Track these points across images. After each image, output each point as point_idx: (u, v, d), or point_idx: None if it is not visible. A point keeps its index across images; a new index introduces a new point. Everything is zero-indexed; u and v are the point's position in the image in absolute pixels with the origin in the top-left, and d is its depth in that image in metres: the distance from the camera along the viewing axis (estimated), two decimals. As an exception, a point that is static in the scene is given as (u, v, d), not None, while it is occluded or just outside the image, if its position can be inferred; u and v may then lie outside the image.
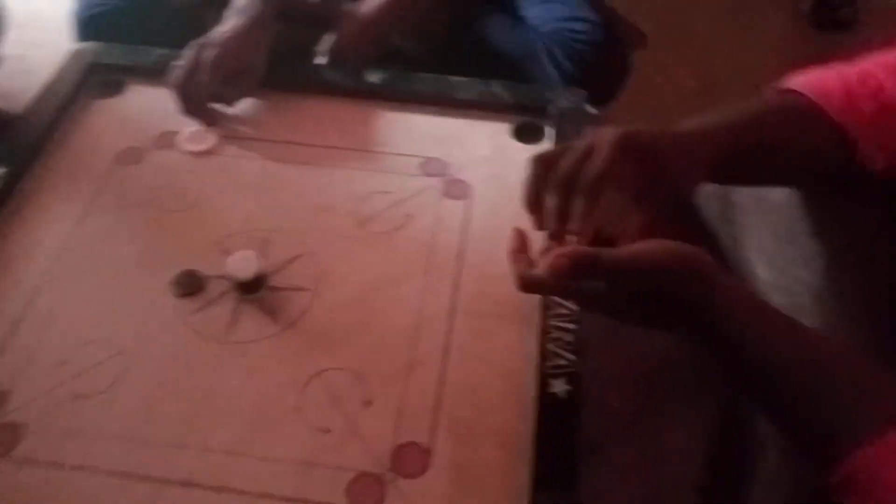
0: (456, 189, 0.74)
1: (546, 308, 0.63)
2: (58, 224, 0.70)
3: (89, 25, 0.90)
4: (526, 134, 0.79)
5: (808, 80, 0.58)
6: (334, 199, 0.72)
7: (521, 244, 0.52)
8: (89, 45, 0.86)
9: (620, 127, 0.53)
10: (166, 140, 0.78)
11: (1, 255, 0.67)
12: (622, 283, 0.46)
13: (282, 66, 0.82)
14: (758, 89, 0.69)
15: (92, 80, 0.84)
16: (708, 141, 0.55)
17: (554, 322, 0.62)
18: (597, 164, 0.52)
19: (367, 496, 0.54)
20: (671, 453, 0.65)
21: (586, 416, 0.58)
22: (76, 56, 0.84)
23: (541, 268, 0.48)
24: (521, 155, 0.76)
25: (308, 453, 0.56)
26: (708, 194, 0.78)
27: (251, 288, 0.64)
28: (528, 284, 0.50)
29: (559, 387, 0.58)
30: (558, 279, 0.46)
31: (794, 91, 0.58)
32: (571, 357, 0.60)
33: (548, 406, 0.57)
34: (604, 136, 0.53)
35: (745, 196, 0.67)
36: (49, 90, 0.81)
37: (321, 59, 0.86)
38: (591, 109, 0.83)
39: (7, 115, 0.84)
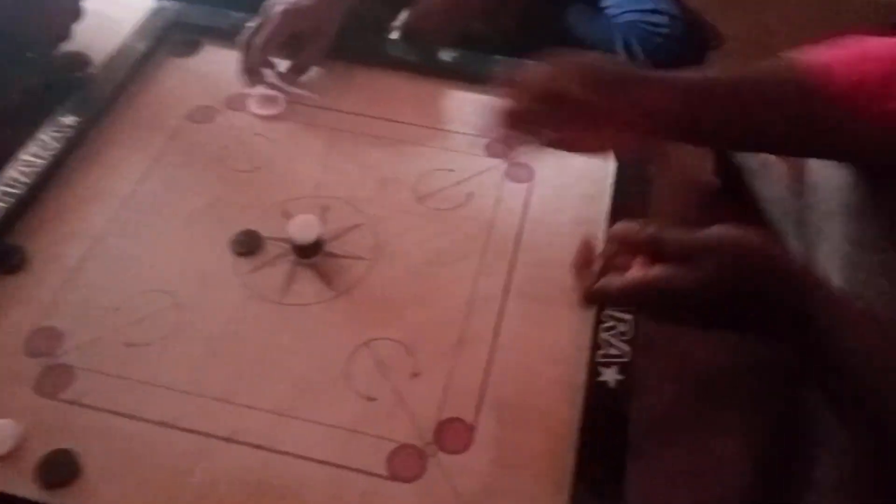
0: (519, 172, 0.72)
1: (604, 298, 0.61)
2: (127, 174, 0.71)
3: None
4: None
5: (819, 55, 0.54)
6: (397, 173, 0.72)
7: (587, 258, 0.50)
8: (169, 3, 0.88)
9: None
10: (237, 102, 0.78)
11: (70, 199, 0.69)
12: (693, 261, 0.44)
13: (357, 38, 0.82)
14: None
15: (170, 38, 0.85)
16: (678, 87, 0.54)
17: (610, 311, 0.60)
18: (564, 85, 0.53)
19: (408, 468, 0.53)
20: (722, 463, 0.63)
21: (636, 415, 0.56)
22: (156, 14, 0.86)
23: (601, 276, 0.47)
24: (589, 143, 0.75)
25: (352, 421, 0.55)
26: (781, 197, 0.75)
27: (309, 252, 0.64)
28: (593, 299, 0.49)
29: (610, 376, 0.56)
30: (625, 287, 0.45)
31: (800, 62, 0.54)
32: (625, 348, 0.58)
33: (597, 395, 0.56)
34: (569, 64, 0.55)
35: (820, 199, 0.64)
36: (127, 45, 0.82)
37: (395, 34, 0.86)
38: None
39: (88, 65, 0.86)
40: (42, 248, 0.65)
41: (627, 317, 0.60)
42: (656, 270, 0.45)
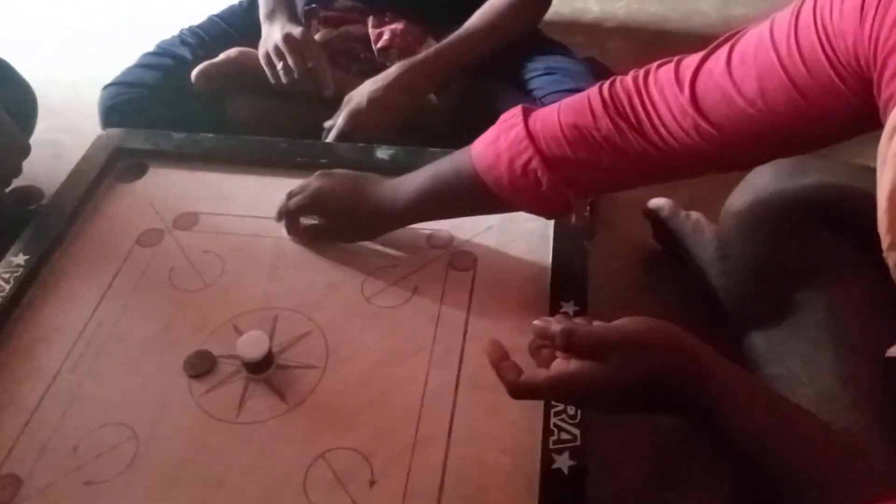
0: (462, 260, 0.75)
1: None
2: (79, 307, 0.73)
3: (114, 112, 0.95)
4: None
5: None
6: (343, 276, 0.74)
7: (501, 354, 0.55)
8: (114, 130, 0.91)
9: None
10: (186, 221, 0.81)
11: (23, 341, 0.70)
12: (602, 355, 0.48)
13: (296, 145, 0.85)
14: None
15: (117, 164, 0.88)
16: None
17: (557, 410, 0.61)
18: (295, 202, 0.77)
19: (372, 581, 0.53)
20: (701, 472, 0.64)
21: (602, 487, 0.57)
22: (101, 141, 0.89)
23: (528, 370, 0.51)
24: (528, 225, 0.77)
25: (314, 536, 0.56)
26: (712, 259, 0.78)
27: (260, 367, 0.65)
28: (520, 392, 0.52)
29: (563, 462, 0.57)
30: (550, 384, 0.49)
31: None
32: (575, 431, 0.59)
33: (552, 483, 0.57)
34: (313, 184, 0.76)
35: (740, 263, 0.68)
36: (76, 174, 0.85)
37: (329, 137, 0.90)
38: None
39: (41, 197, 0.88)
40: (-1, 393, 0.66)
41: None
42: (573, 366, 0.47)
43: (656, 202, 0.88)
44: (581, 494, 0.56)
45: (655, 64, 0.59)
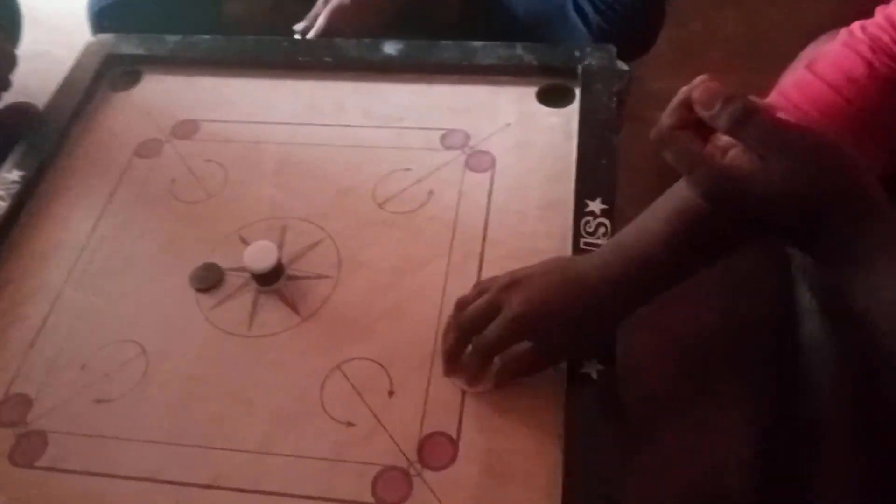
0: (479, 161, 0.70)
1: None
2: (80, 222, 0.70)
3: (103, 16, 0.89)
4: (553, 98, 0.74)
5: None
6: (353, 181, 0.70)
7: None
8: (104, 36, 0.85)
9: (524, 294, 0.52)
10: (185, 130, 0.76)
11: (24, 258, 0.67)
12: (772, 161, 0.40)
13: (297, 44, 0.79)
14: (811, 37, 0.62)
15: (109, 72, 0.83)
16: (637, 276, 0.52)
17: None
18: (490, 337, 0.52)
19: (394, 490, 0.52)
20: (723, 436, 0.60)
21: (629, 399, 0.54)
22: (91, 48, 0.83)
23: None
24: (549, 120, 0.72)
25: (333, 449, 0.54)
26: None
27: (270, 279, 0.62)
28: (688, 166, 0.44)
29: (592, 367, 0.54)
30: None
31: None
32: (605, 336, 0.56)
33: (579, 388, 0.54)
34: (509, 304, 0.52)
35: None
36: (67, 85, 0.80)
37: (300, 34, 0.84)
38: (623, 66, 0.78)
39: (35, 113, 0.84)
40: (3, 313, 0.64)
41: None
42: (742, 159, 0.42)
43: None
44: (611, 400, 0.53)
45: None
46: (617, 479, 0.50)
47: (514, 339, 0.53)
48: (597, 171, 0.66)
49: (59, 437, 0.56)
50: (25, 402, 0.58)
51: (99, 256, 0.67)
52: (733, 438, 0.60)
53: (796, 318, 0.59)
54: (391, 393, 0.56)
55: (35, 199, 0.72)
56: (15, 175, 0.71)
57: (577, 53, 0.75)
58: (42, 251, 0.68)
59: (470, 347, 0.54)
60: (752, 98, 0.41)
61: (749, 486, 0.60)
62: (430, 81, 0.77)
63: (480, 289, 0.56)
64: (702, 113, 0.42)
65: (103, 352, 0.60)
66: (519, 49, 0.76)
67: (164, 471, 0.54)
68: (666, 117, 0.44)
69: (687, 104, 0.43)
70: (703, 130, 0.43)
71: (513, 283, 0.53)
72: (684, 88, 0.44)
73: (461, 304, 0.56)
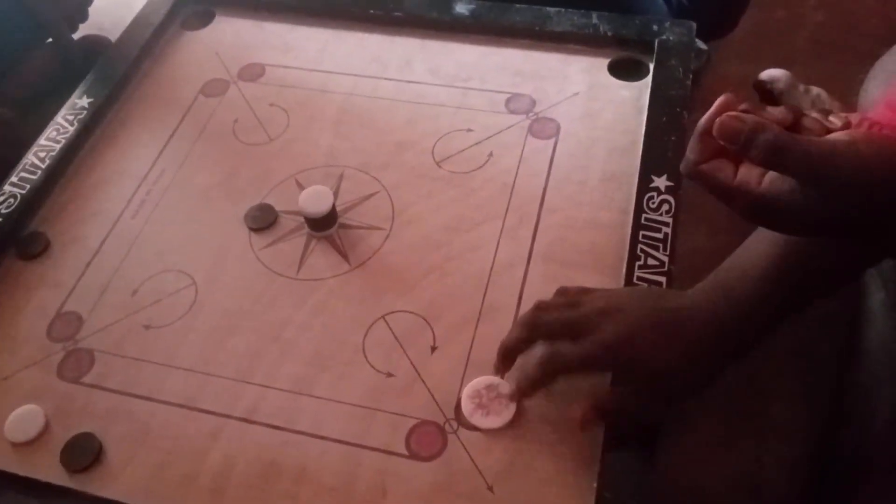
0: (543, 128, 0.68)
1: (634, 259, 0.57)
2: (142, 153, 0.70)
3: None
4: (625, 71, 0.72)
5: None
6: (413, 136, 0.69)
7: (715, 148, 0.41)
8: (181, -25, 0.85)
9: (610, 342, 0.47)
10: (251, 72, 0.76)
11: (87, 183, 0.69)
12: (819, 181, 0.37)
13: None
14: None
15: (182, 11, 0.83)
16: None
17: (642, 274, 0.56)
18: (570, 355, 0.48)
19: (428, 445, 0.51)
20: (767, 432, 0.58)
21: (672, 437, 0.52)
22: (167, -13, 0.84)
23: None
24: (619, 93, 0.70)
25: (369, 397, 0.53)
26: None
27: (323, 224, 0.62)
28: (730, 197, 0.40)
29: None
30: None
31: None
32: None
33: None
34: (601, 330, 0.47)
35: None
36: (140, 20, 0.81)
37: None
38: (701, 44, 0.75)
39: (101, 45, 0.85)
40: (62, 232, 0.65)
41: (662, 280, 0.56)
42: (779, 182, 0.38)
43: (771, 73, 0.78)
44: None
45: None
46: (654, 454, 0.49)
47: (594, 366, 0.50)
48: (665, 147, 0.64)
49: (105, 357, 0.57)
50: (77, 319, 0.60)
51: (158, 188, 0.68)
52: (779, 437, 0.58)
53: (864, 318, 0.57)
54: (433, 348, 0.55)
55: (101, 126, 0.73)
56: (84, 101, 0.73)
57: (654, 27, 0.73)
58: (104, 177, 0.69)
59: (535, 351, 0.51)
60: (777, 127, 0.38)
61: (791, 488, 0.58)
62: (499, 44, 0.75)
63: (566, 299, 0.51)
64: (727, 146, 0.39)
65: (154, 280, 0.61)
66: (594, 18, 0.74)
67: (200, 399, 0.54)
68: (690, 152, 0.42)
69: (709, 134, 0.40)
70: (734, 153, 0.40)
71: (607, 309, 0.49)
72: (703, 120, 0.41)
73: (541, 307, 0.52)
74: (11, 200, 0.66)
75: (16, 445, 0.53)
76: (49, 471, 0.52)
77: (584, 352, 0.48)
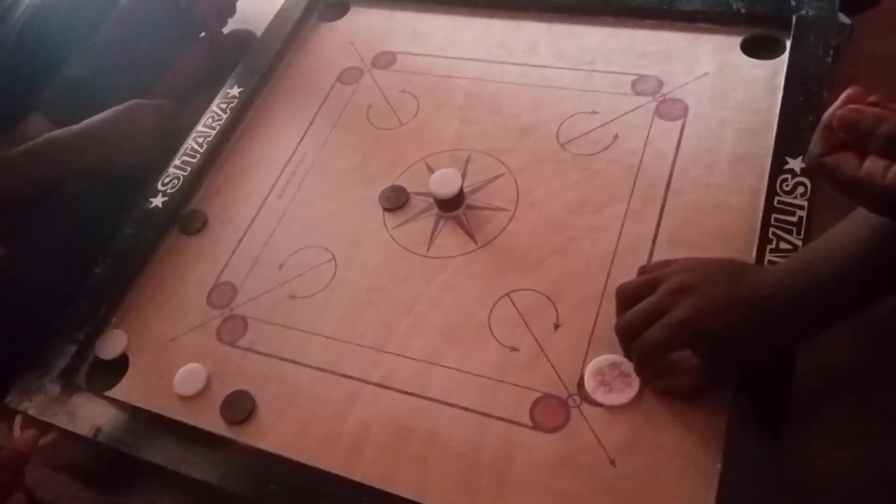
0: (670, 109, 0.68)
1: (765, 242, 0.56)
2: (285, 138, 0.76)
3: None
4: (760, 48, 0.70)
5: None
6: (538, 120, 0.70)
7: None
8: (319, -30, 0.91)
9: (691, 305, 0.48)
10: (383, 60, 0.80)
11: (239, 166, 0.76)
12: None
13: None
14: None
15: (320, 3, 0.89)
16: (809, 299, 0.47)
17: (773, 257, 0.55)
18: (649, 341, 0.50)
19: (551, 418, 0.53)
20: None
21: (800, 370, 0.51)
22: (306, -19, 0.89)
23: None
24: (752, 72, 0.68)
25: (495, 370, 0.56)
26: None
27: (451, 205, 0.65)
28: (853, 189, 0.40)
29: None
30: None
31: None
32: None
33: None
34: (676, 307, 0.49)
35: None
36: (282, 15, 0.87)
37: None
38: (844, 19, 0.71)
39: (248, 38, 0.92)
40: (218, 211, 0.72)
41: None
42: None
43: None
44: (783, 369, 0.51)
45: None
46: (779, 442, 0.48)
47: (674, 345, 0.51)
48: (801, 128, 0.62)
49: (257, 324, 0.63)
50: (232, 289, 0.66)
51: (300, 171, 0.73)
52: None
53: None
54: (556, 326, 0.57)
55: (250, 113, 0.79)
56: (235, 91, 0.80)
57: (792, 2, 0.70)
58: (253, 161, 0.76)
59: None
60: None
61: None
62: (626, 25, 0.75)
63: (647, 278, 0.53)
64: (846, 138, 0.38)
65: (299, 255, 0.67)
66: (726, -5, 0.72)
67: (340, 365, 0.59)
68: (814, 145, 0.41)
69: (833, 127, 0.39)
70: (859, 144, 0.39)
71: (682, 288, 0.50)
72: (826, 114, 0.41)
73: (621, 291, 0.54)
74: (175, 182, 0.73)
75: (183, 398, 0.60)
76: (211, 422, 0.59)
77: (662, 334, 0.50)
